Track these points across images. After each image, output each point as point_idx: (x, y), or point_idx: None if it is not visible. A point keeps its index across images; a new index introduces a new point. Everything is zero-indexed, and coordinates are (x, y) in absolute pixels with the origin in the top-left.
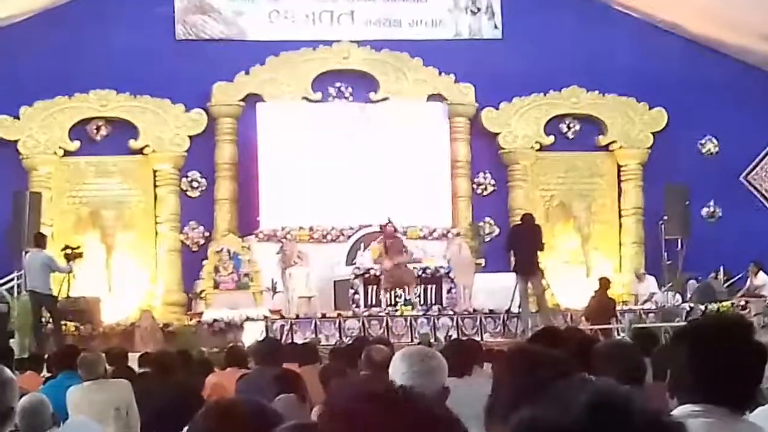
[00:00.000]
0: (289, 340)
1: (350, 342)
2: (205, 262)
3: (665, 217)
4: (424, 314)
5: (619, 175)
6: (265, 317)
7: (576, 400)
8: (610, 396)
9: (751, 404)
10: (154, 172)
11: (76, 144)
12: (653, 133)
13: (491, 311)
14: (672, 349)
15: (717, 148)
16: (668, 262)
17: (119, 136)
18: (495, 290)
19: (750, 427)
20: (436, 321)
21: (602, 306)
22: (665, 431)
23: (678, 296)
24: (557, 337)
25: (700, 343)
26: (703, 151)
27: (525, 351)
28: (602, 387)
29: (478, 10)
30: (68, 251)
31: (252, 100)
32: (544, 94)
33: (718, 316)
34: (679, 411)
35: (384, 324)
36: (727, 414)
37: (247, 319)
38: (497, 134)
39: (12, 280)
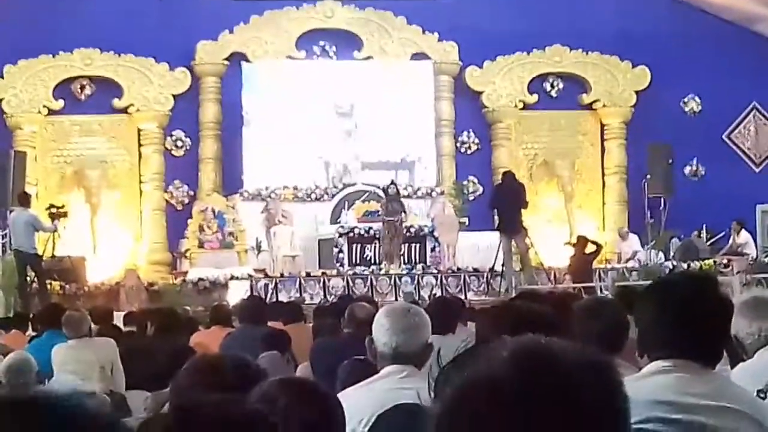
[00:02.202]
0: (274, 299)
1: (335, 300)
2: (189, 221)
3: (648, 176)
4: (408, 273)
5: (602, 134)
6: (250, 276)
7: (500, 355)
8: (533, 344)
9: (719, 358)
10: (139, 131)
11: (61, 103)
12: (636, 92)
13: (475, 270)
14: (639, 307)
15: (700, 107)
16: (651, 221)
17: (103, 95)
18: (479, 249)
19: (720, 379)
20: (420, 279)
21: (581, 264)
22: (593, 369)
23: (661, 254)
24: (539, 296)
25: (667, 299)
26: (686, 109)
27: (508, 308)
28: (524, 339)
29: None
30: (53, 210)
31: (236, 58)
32: (528, 53)
33: (684, 272)
34: (650, 367)
35: (368, 282)
36: (697, 368)
37: (232, 277)
38: (481, 93)
39: None
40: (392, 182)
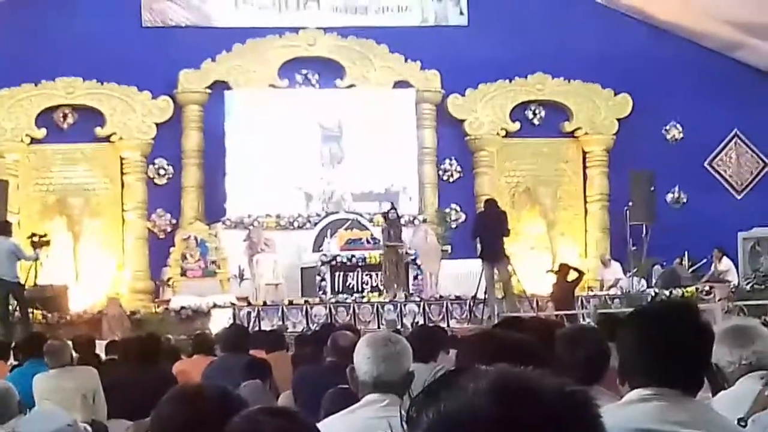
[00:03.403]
0: (256, 328)
1: (317, 328)
2: (172, 249)
3: (630, 203)
4: (390, 301)
5: (584, 162)
6: (232, 304)
7: (478, 386)
8: (511, 375)
9: (700, 386)
10: (121, 159)
11: (43, 131)
12: (618, 120)
13: (458, 297)
14: (621, 334)
15: (681, 135)
16: (633, 248)
17: (86, 123)
18: (461, 277)
19: (701, 407)
20: (402, 307)
21: (563, 291)
22: (572, 400)
23: (643, 282)
24: (521, 323)
25: (648, 327)
26: (668, 137)
27: (488, 335)
28: (501, 370)
29: None
30: (35, 239)
31: (218, 87)
32: (510, 81)
33: (665, 300)
34: (631, 395)
35: (351, 311)
36: (678, 396)
37: (215, 306)
38: (463, 121)
39: None
40: (392, 207)
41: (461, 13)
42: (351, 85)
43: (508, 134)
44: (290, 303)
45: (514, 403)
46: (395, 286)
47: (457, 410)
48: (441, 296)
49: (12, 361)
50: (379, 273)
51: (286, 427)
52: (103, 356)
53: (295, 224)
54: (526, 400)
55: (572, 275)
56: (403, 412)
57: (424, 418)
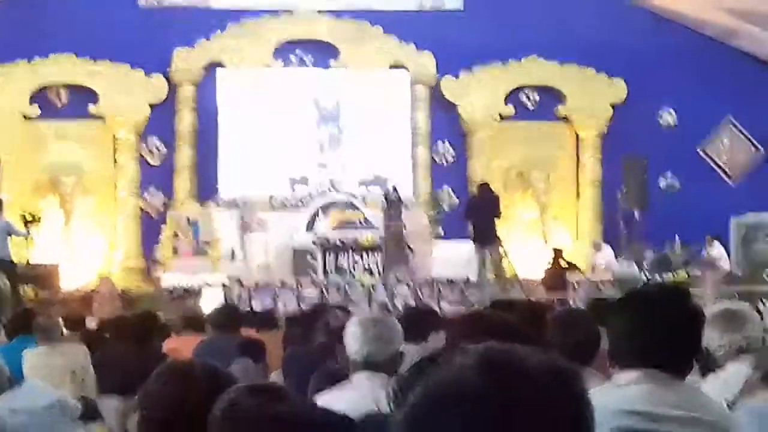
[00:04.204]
0: (248, 307)
1: (308, 309)
2: (163, 228)
3: (623, 188)
4: (382, 282)
5: (577, 146)
6: (224, 284)
7: (465, 361)
8: (498, 351)
9: (690, 369)
10: (114, 137)
11: (36, 109)
12: (612, 105)
13: (449, 280)
14: (612, 318)
15: (675, 120)
16: (625, 233)
17: (79, 101)
18: (453, 259)
19: (691, 390)
20: (394, 289)
21: (556, 275)
22: (558, 376)
23: (635, 266)
24: (512, 305)
25: (638, 309)
26: (662, 122)
27: (479, 316)
28: (489, 345)
29: None
30: (27, 217)
31: (213, 67)
32: (504, 64)
33: (656, 284)
34: (621, 377)
35: (342, 291)
36: (667, 378)
37: (206, 285)
38: (457, 104)
39: None
40: (394, 188)
41: None
42: (345, 67)
43: (502, 118)
44: (282, 283)
45: (501, 377)
46: (396, 266)
47: (444, 386)
48: (433, 278)
49: (2, 337)
50: (371, 254)
51: (274, 403)
52: (94, 333)
53: (288, 205)
54: (513, 374)
55: (563, 262)
56: (389, 391)
57: (411, 396)
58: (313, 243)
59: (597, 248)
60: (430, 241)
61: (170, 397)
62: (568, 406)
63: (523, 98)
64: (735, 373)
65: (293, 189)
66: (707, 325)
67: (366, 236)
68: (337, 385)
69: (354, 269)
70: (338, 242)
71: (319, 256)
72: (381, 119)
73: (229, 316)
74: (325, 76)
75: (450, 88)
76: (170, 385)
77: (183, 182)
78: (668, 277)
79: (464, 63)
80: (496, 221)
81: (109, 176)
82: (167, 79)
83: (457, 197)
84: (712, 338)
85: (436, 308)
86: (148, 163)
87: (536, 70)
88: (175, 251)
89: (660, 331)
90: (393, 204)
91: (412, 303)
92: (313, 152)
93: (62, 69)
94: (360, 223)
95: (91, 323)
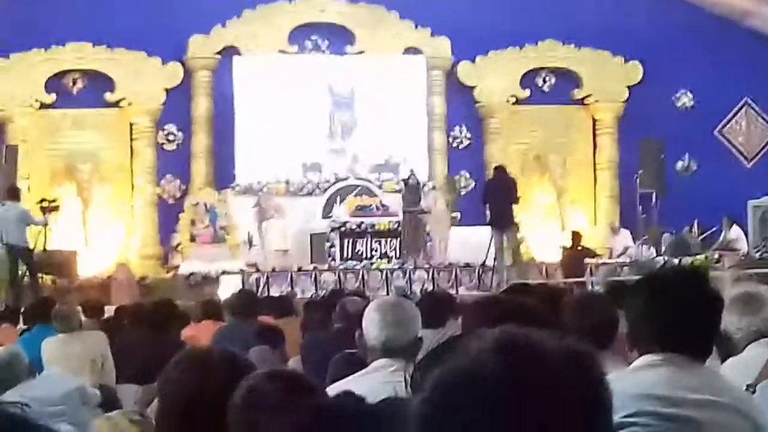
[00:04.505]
0: (265, 294)
1: (326, 295)
2: (181, 215)
3: (640, 171)
4: (399, 267)
5: (594, 129)
6: (241, 270)
7: (482, 346)
8: (515, 335)
9: (709, 352)
10: (131, 125)
11: (53, 96)
12: (628, 87)
13: (467, 264)
14: (630, 301)
15: (692, 102)
16: (643, 216)
17: (95, 88)
18: (470, 244)
19: (710, 374)
20: (411, 274)
21: (574, 259)
22: (575, 359)
23: (652, 249)
24: (529, 290)
25: (657, 293)
26: (678, 104)
27: (495, 301)
28: (506, 329)
29: None
30: (44, 204)
31: (228, 53)
32: (520, 48)
33: (674, 267)
34: (639, 361)
35: (360, 277)
36: (686, 362)
37: (224, 272)
38: (473, 88)
39: None
40: (411, 172)
41: None
42: (361, 52)
43: (518, 101)
44: (299, 269)
45: (519, 361)
46: (414, 251)
47: (461, 370)
48: (450, 263)
49: (21, 326)
50: (389, 239)
51: (292, 389)
52: (112, 321)
53: (305, 190)
54: (531, 358)
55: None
56: (407, 377)
57: (429, 380)
58: (331, 229)
59: (614, 232)
60: (448, 225)
61: (189, 385)
62: (586, 390)
63: (540, 82)
64: (754, 356)
65: (305, 176)
66: (726, 308)
67: (383, 222)
68: (356, 371)
69: (372, 255)
70: (356, 227)
71: (337, 242)
72: (397, 104)
73: (247, 302)
74: (339, 62)
75: (466, 72)
76: (189, 373)
77: (200, 169)
78: (686, 260)
79: (480, 47)
80: (514, 207)
81: (125, 163)
82: (183, 65)
83: (474, 181)
84: (730, 322)
85: (454, 293)
86: (165, 150)
87: (552, 54)
88: (193, 238)
89: (678, 314)
90: (412, 188)
91: (430, 288)
92: (327, 138)
93: (78, 57)
94: (377, 208)
95: (110, 311)
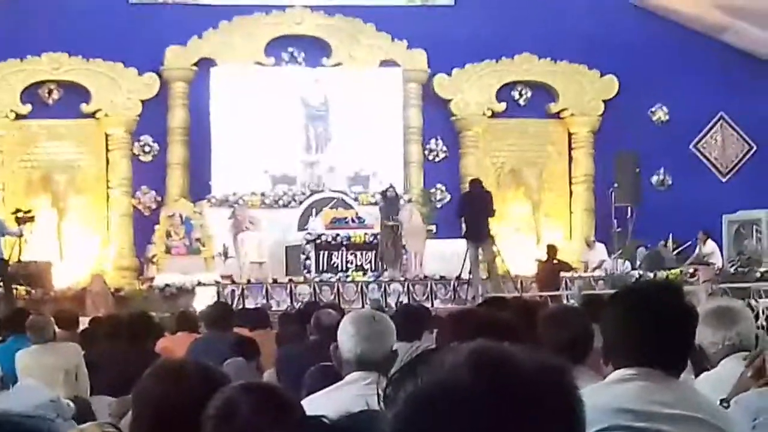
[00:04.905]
0: (241, 306)
1: (301, 307)
2: (156, 227)
3: (615, 185)
4: (375, 280)
5: (570, 143)
6: (217, 282)
7: (456, 359)
8: (489, 349)
9: (684, 366)
10: (107, 135)
11: (28, 107)
12: (604, 101)
13: (442, 277)
14: (605, 315)
15: (667, 116)
16: (618, 230)
17: (71, 99)
18: (446, 256)
19: (684, 388)
20: (387, 287)
21: (550, 272)
22: (549, 373)
23: (627, 263)
24: (505, 303)
25: (632, 307)
26: (654, 118)
27: (470, 314)
28: (480, 343)
29: None
30: (19, 215)
31: (205, 64)
32: (496, 61)
33: (650, 281)
34: (614, 375)
35: (335, 290)
36: (661, 376)
37: (199, 284)
38: (449, 101)
39: None
40: (390, 185)
41: None
42: (337, 64)
43: (494, 114)
44: (274, 281)
45: (492, 375)
46: (393, 264)
47: (434, 384)
48: (425, 276)
49: None
50: (364, 252)
51: (266, 401)
52: (86, 332)
53: (280, 203)
54: (504, 372)
55: (556, 260)
56: (380, 391)
57: (402, 395)
58: (306, 241)
59: (590, 245)
60: (424, 238)
61: (163, 397)
62: (560, 404)
63: (516, 95)
64: (729, 370)
65: (280, 188)
66: (701, 322)
67: (358, 234)
68: (331, 384)
69: (347, 267)
70: (331, 240)
71: (312, 254)
72: (373, 116)
73: (223, 314)
74: (316, 74)
75: (442, 85)
76: (163, 385)
77: (175, 180)
78: (661, 274)
79: (457, 60)
80: (489, 219)
81: (101, 175)
82: (159, 76)
83: (450, 194)
84: (705, 335)
85: (429, 306)
86: (141, 161)
87: (528, 67)
88: (168, 250)
89: (653, 328)
90: (390, 201)
91: (405, 301)
92: (301, 151)
93: (54, 67)
94: (353, 220)
95: (84, 322)
